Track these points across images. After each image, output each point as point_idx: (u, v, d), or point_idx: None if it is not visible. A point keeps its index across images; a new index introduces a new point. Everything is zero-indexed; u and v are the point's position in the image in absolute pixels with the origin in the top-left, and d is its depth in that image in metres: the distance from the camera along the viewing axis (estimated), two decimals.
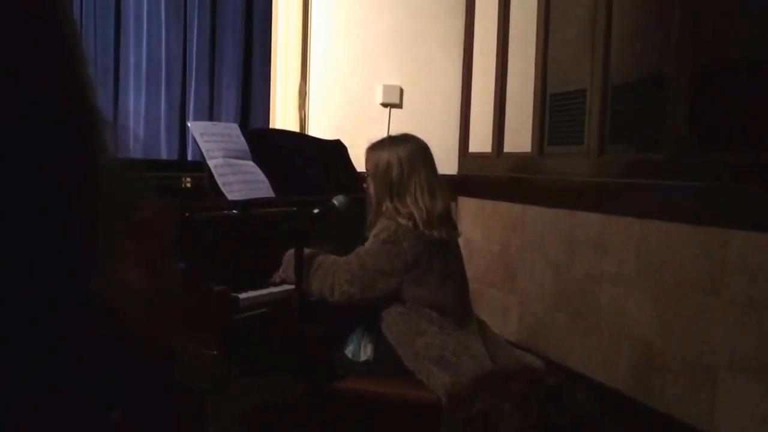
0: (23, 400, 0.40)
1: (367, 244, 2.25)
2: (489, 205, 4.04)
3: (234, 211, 2.45)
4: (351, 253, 2.32)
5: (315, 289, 2.22)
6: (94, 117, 0.46)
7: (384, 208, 2.27)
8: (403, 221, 2.21)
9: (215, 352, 2.04)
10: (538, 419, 1.06)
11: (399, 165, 2.26)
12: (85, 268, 0.44)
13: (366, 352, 2.32)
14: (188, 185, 2.67)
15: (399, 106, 4.24)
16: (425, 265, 2.23)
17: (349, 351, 2.34)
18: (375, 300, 2.24)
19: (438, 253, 2.27)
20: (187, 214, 2.25)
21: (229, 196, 2.46)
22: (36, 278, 0.40)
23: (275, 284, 2.35)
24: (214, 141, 2.57)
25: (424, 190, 2.25)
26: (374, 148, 2.34)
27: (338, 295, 2.20)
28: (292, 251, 2.30)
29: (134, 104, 4.10)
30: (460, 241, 2.50)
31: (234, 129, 2.75)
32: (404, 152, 2.28)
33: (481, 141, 4.19)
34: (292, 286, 2.28)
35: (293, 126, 3.99)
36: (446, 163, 3.95)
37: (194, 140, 2.59)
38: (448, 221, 2.33)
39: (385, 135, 2.48)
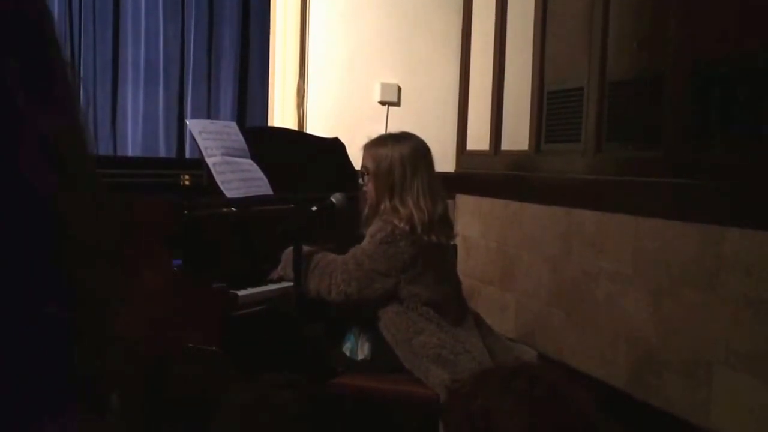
0: (17, 403, 0.39)
1: (364, 244, 2.23)
2: (486, 202, 4.05)
3: (232, 209, 2.46)
4: (348, 250, 2.32)
5: (312, 289, 2.22)
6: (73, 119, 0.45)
7: (382, 207, 2.24)
8: (401, 224, 2.18)
9: (214, 348, 2.05)
10: (539, 416, 1.06)
11: (401, 165, 2.21)
12: (72, 268, 0.43)
13: (363, 351, 2.31)
14: (187, 183, 2.68)
15: (397, 104, 4.24)
16: (422, 266, 2.21)
17: (346, 348, 2.34)
18: (373, 300, 2.23)
19: (434, 255, 2.25)
20: (185, 212, 2.26)
21: (228, 194, 2.46)
22: (23, 277, 0.40)
23: (273, 281, 2.36)
24: (213, 139, 2.58)
25: (426, 192, 2.21)
26: (375, 146, 2.29)
27: (335, 295, 2.19)
28: (290, 249, 2.30)
29: (132, 102, 4.11)
30: (458, 238, 2.50)
31: (232, 127, 2.76)
32: (407, 151, 2.23)
33: (478, 139, 4.19)
34: (291, 283, 2.28)
35: (291, 124, 4.00)
36: (444, 160, 3.96)
37: (193, 138, 2.59)
38: (445, 223, 2.31)
39: (382, 133, 2.46)
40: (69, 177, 0.44)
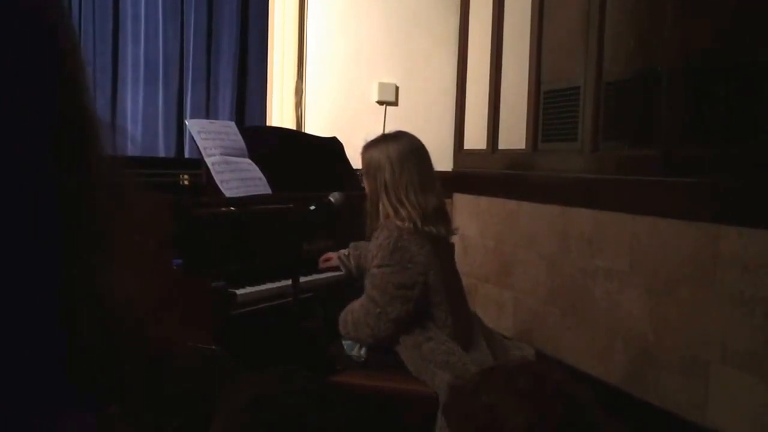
0: (19, 402, 0.39)
1: (377, 260, 2.19)
2: (484, 201, 4.06)
3: (231, 208, 2.48)
4: (347, 248, 2.30)
5: (363, 340, 2.24)
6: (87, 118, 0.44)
7: (381, 208, 2.24)
8: (404, 224, 2.17)
9: (213, 347, 2.06)
10: (543, 414, 1.07)
11: (389, 164, 2.23)
12: (72, 268, 0.42)
13: (359, 353, 2.30)
14: (186, 182, 2.69)
15: (395, 103, 4.26)
16: (435, 267, 2.20)
17: (346, 347, 2.34)
18: (415, 309, 2.19)
19: (438, 252, 2.24)
20: (184, 212, 2.27)
21: (227, 194, 2.48)
22: (25, 278, 0.39)
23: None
24: (212, 139, 2.59)
25: (417, 187, 2.22)
26: (366, 148, 2.32)
27: (386, 333, 2.18)
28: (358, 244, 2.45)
29: (132, 103, 4.12)
30: (455, 237, 2.51)
31: (231, 127, 2.77)
32: (395, 151, 2.25)
33: (476, 138, 4.21)
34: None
35: (290, 124, 4.01)
36: (442, 159, 3.97)
37: (192, 138, 2.60)
38: (443, 216, 2.32)
39: (380, 132, 2.47)
40: (86, 165, 0.43)
